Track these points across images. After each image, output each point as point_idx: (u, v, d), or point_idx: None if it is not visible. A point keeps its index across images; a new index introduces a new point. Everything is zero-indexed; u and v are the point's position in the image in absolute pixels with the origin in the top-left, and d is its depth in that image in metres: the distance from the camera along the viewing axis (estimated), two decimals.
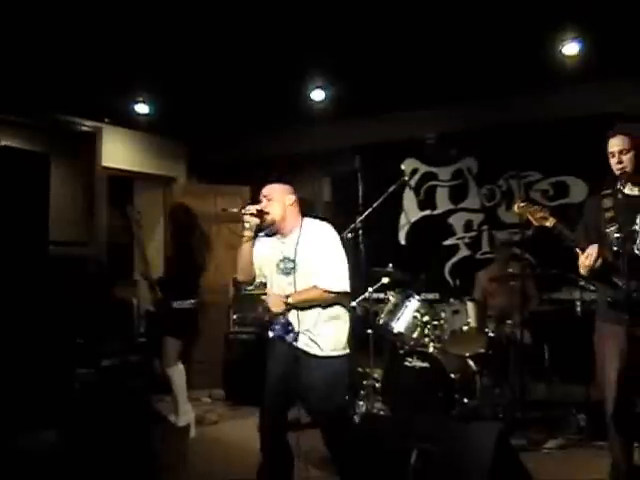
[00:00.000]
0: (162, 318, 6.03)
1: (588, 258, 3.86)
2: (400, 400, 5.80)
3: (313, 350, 3.89)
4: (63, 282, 6.65)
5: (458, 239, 7.89)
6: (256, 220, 3.98)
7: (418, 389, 5.79)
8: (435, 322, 6.22)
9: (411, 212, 8.10)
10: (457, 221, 7.89)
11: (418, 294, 6.46)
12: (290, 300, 3.90)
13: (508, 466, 3.50)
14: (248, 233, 4.01)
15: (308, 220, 4.12)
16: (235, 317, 7.66)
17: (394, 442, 3.72)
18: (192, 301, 5.93)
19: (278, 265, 4.03)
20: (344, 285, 3.97)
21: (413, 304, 6.32)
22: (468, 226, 7.87)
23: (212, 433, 6.08)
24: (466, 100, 7.44)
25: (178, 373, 5.89)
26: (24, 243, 5.94)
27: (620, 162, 3.95)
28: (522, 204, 4.12)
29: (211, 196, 8.50)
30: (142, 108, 7.50)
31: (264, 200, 4.07)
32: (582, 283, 5.87)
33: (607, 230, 3.97)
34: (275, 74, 6.54)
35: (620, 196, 3.94)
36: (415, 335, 6.23)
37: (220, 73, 6.55)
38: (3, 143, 6.35)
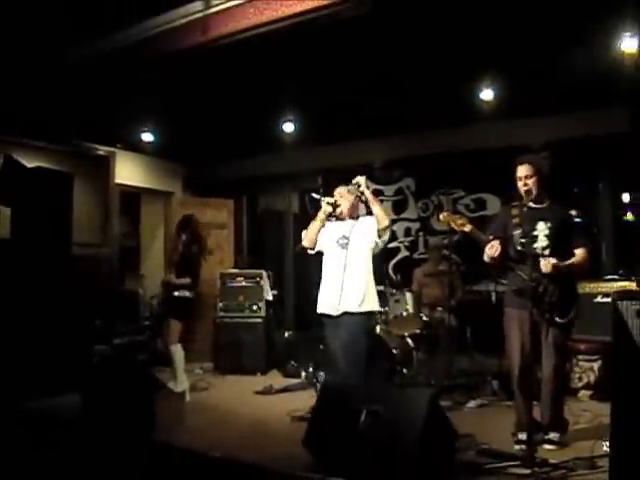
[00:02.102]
0: (167, 305, 6.07)
1: (491, 249, 3.96)
2: None
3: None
4: (83, 275, 6.62)
5: (399, 242, 7.94)
6: (330, 208, 4.44)
7: (367, 362, 5.84)
8: (381, 309, 6.26)
9: None
10: (399, 228, 7.93)
11: None
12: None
13: (438, 422, 3.55)
14: (321, 215, 4.47)
15: (363, 216, 4.60)
16: (221, 305, 7.63)
17: (348, 404, 3.76)
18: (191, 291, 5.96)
19: (338, 241, 4.46)
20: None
21: None
22: (407, 232, 7.93)
23: (203, 398, 6.06)
24: (406, 133, 7.48)
25: (178, 350, 5.88)
26: (52, 244, 5.90)
27: (526, 185, 4.05)
28: (445, 213, 4.27)
29: (202, 207, 8.49)
30: (148, 136, 7.51)
31: (338, 196, 4.54)
32: (497, 278, 5.97)
33: (513, 233, 4.07)
34: (254, 110, 6.56)
35: (525, 208, 4.03)
36: None
37: (210, 110, 6.55)
38: (36, 164, 6.29)
